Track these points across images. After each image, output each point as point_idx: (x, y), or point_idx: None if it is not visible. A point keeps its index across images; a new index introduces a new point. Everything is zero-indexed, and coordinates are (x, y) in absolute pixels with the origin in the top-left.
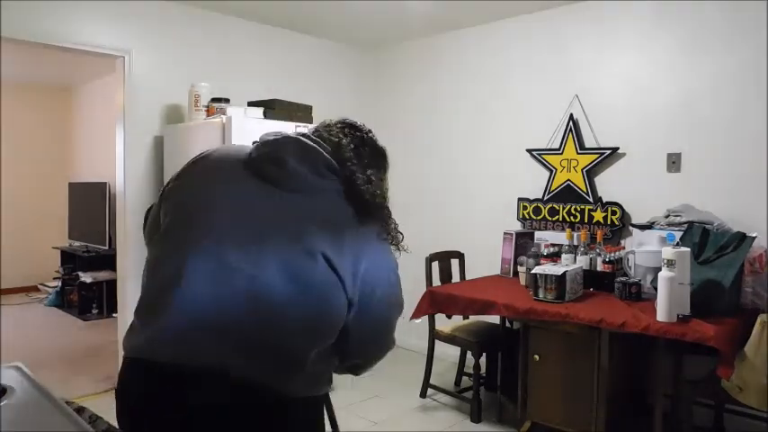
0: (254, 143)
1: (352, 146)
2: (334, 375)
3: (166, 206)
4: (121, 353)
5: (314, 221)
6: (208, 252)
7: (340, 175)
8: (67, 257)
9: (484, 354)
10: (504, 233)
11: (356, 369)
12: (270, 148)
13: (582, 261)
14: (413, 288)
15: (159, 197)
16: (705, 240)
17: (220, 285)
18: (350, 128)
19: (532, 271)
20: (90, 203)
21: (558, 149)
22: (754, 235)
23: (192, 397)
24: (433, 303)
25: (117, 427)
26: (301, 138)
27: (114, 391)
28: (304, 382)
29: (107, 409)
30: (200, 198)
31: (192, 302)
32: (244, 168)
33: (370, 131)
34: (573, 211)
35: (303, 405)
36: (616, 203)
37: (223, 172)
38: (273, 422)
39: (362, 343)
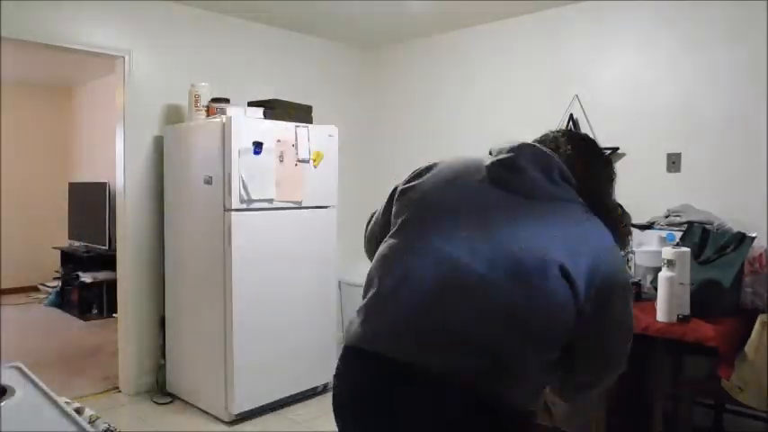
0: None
1: (575, 154)
2: None
3: (399, 204)
4: (122, 353)
5: (548, 227)
6: (438, 252)
7: (574, 185)
8: (67, 257)
9: None
10: None
11: (585, 388)
12: (506, 155)
13: None
14: None
15: (389, 199)
16: (705, 240)
17: (448, 286)
18: (573, 135)
19: None
20: (90, 203)
21: None
22: (753, 235)
23: (400, 390)
24: None
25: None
26: (536, 144)
27: (334, 375)
28: (524, 391)
29: (107, 409)
30: (435, 199)
31: (419, 303)
32: (480, 174)
33: (594, 140)
34: None
35: (517, 416)
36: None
37: (460, 177)
38: (486, 427)
39: (590, 357)
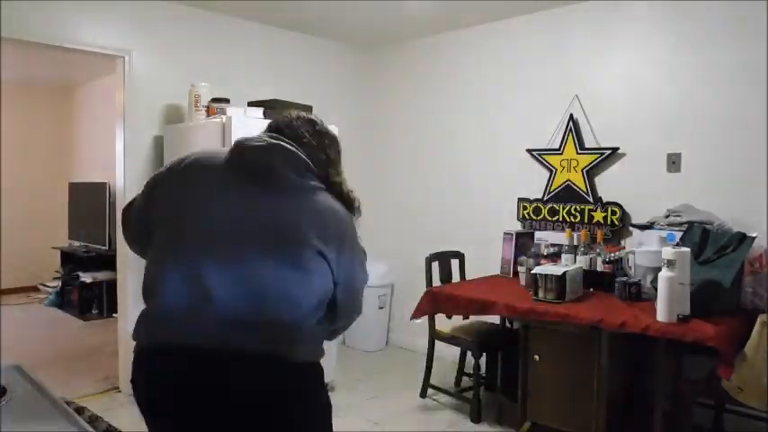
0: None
1: (314, 143)
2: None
3: (157, 210)
4: (122, 353)
5: (302, 216)
6: (220, 254)
7: (315, 172)
8: (67, 257)
9: (484, 354)
10: (504, 233)
11: (336, 333)
12: (258, 155)
13: (582, 261)
14: (413, 288)
15: (144, 196)
16: (705, 240)
17: (235, 284)
18: (308, 123)
19: (532, 271)
20: (90, 203)
21: (558, 149)
22: (754, 235)
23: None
24: (433, 303)
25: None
26: (283, 142)
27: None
28: (306, 349)
29: (107, 409)
30: (199, 203)
31: (222, 306)
32: (230, 172)
33: (321, 121)
34: (573, 211)
35: (307, 368)
36: (616, 203)
37: (213, 176)
38: (287, 383)
39: (346, 311)
